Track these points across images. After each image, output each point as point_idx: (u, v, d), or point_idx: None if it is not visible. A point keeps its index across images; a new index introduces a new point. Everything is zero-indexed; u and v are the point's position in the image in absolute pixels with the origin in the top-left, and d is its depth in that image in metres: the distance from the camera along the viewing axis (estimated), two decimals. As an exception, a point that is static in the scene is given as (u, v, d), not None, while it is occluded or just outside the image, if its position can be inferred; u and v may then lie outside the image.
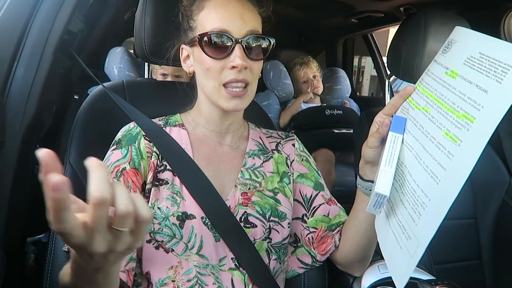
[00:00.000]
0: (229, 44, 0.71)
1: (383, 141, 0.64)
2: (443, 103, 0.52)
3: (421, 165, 0.53)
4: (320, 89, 2.39)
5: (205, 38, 0.71)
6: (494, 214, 1.34)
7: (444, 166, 0.49)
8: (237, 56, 0.70)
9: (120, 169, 0.72)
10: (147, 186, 0.73)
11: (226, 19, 0.71)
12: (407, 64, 1.17)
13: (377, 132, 0.64)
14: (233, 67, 0.70)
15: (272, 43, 0.75)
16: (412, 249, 0.52)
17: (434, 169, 0.50)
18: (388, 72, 1.45)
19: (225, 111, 0.75)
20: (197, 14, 0.76)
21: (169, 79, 1.59)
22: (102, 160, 0.75)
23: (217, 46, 0.71)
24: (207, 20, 0.73)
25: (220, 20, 0.72)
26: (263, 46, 0.74)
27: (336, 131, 2.19)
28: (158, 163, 0.75)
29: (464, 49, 0.53)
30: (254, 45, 0.72)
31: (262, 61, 0.76)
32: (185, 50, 0.79)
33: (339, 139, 2.17)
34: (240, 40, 0.70)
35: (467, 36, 0.54)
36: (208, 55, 0.72)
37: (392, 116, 0.64)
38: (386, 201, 0.62)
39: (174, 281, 0.71)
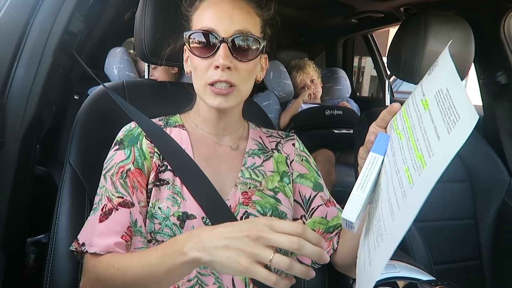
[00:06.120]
0: (214, 43, 0.70)
1: None
2: (412, 136, 0.49)
3: (387, 195, 0.51)
4: (319, 93, 2.39)
5: (191, 37, 0.72)
6: (494, 214, 1.34)
7: (399, 204, 0.46)
8: (220, 56, 0.69)
9: (125, 170, 0.72)
10: (149, 186, 0.73)
11: (214, 18, 0.71)
12: (407, 64, 1.18)
13: (365, 146, 0.62)
14: (217, 66, 0.70)
15: (262, 45, 0.74)
16: (370, 276, 0.50)
17: (393, 204, 0.48)
18: (388, 73, 1.45)
19: (217, 110, 0.76)
20: (192, 14, 0.77)
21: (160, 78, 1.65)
22: (104, 160, 0.76)
23: (202, 45, 0.71)
24: (198, 20, 0.74)
25: (208, 19, 0.72)
26: (252, 47, 0.72)
27: (336, 131, 2.18)
28: (160, 163, 0.75)
29: (438, 78, 0.49)
30: (241, 45, 0.71)
31: (253, 62, 0.74)
32: (187, 50, 0.80)
33: (339, 139, 2.17)
34: (225, 39, 0.70)
35: (445, 64, 0.50)
36: (194, 54, 0.72)
37: (383, 130, 0.61)
38: (368, 219, 0.60)
39: (174, 281, 0.71)
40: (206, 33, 0.70)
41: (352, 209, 0.55)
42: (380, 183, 0.56)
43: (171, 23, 0.83)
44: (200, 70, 0.72)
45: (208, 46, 0.71)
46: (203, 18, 0.73)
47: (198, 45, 0.72)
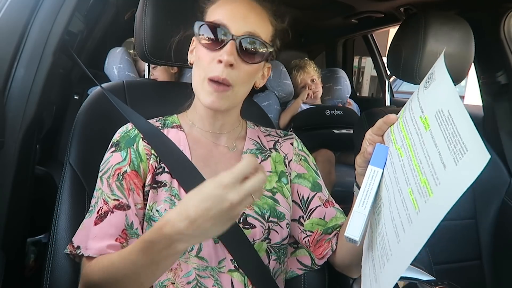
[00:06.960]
0: (223, 38, 0.70)
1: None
2: (413, 155, 0.48)
3: (390, 213, 0.50)
4: (319, 93, 2.39)
5: (202, 27, 0.72)
6: (494, 214, 1.34)
7: (404, 228, 0.46)
8: (226, 52, 0.69)
9: (122, 172, 0.72)
10: (146, 189, 0.73)
11: (228, 15, 0.72)
12: (407, 64, 1.17)
13: (363, 155, 0.62)
14: (220, 61, 0.69)
15: (269, 51, 0.74)
16: None
17: (397, 226, 0.48)
18: (388, 73, 1.45)
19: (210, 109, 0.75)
20: (208, 7, 0.77)
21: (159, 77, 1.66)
22: (101, 161, 0.75)
23: (211, 37, 0.71)
24: (212, 13, 0.75)
25: (222, 15, 0.72)
26: (258, 51, 0.73)
27: (336, 131, 2.18)
28: (157, 165, 0.75)
29: (437, 96, 0.48)
30: (249, 47, 0.71)
31: (256, 66, 0.74)
32: (194, 41, 0.80)
33: (339, 139, 2.17)
34: (235, 38, 0.70)
35: (442, 80, 0.48)
36: (201, 44, 0.72)
37: (380, 138, 0.60)
38: (370, 229, 0.60)
39: (174, 283, 0.70)
40: (217, 26, 0.71)
41: (355, 227, 0.55)
42: (381, 196, 0.55)
43: (171, 23, 0.83)
44: (203, 61, 0.72)
45: (217, 40, 0.71)
46: (218, 13, 0.73)
47: (207, 37, 0.72)
